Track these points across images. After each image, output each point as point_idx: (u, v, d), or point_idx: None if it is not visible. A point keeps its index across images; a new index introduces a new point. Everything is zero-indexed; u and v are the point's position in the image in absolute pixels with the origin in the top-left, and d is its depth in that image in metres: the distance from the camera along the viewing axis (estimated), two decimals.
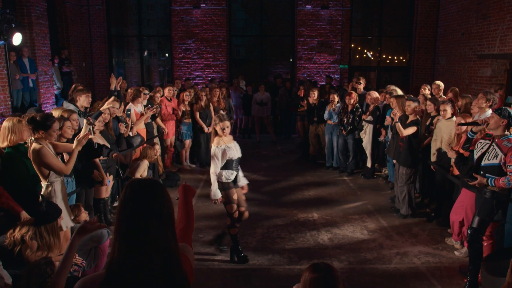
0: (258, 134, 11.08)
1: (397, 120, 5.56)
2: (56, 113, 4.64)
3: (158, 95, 7.67)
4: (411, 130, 5.46)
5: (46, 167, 3.78)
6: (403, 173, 5.63)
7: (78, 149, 4.03)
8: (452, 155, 4.71)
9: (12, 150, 3.78)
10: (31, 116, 3.79)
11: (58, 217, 3.38)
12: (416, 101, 5.62)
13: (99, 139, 5.10)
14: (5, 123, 3.83)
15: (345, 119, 7.55)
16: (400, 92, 7.24)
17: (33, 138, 3.78)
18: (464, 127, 4.53)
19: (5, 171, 3.79)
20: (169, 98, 7.79)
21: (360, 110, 7.48)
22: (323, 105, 8.15)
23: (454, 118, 5.22)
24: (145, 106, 6.95)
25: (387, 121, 6.71)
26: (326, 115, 7.95)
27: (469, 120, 4.59)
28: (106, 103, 5.42)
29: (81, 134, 4.22)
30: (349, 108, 7.51)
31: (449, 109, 5.30)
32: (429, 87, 7.34)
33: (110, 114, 5.53)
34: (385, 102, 7.37)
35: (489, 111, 4.49)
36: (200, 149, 8.29)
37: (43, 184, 3.85)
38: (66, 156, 4.24)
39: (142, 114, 6.79)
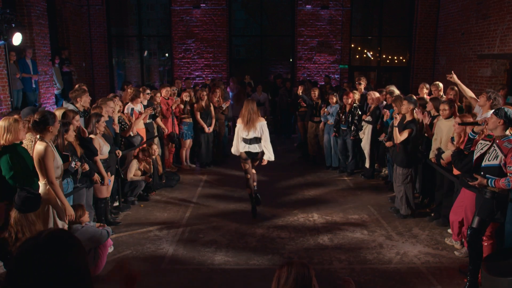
0: None
1: (396, 125, 5.55)
2: (58, 113, 4.65)
3: (158, 94, 7.67)
4: (405, 134, 5.46)
5: (41, 167, 3.72)
6: (400, 173, 5.65)
7: (67, 207, 3.92)
8: (450, 147, 4.71)
9: (7, 150, 3.76)
10: (33, 121, 3.75)
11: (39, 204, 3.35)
12: (412, 102, 5.60)
13: (100, 141, 5.11)
14: (1, 123, 3.81)
15: (343, 119, 7.54)
16: (397, 92, 7.24)
17: (38, 136, 3.76)
18: (462, 126, 4.54)
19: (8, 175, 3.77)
20: (167, 98, 7.79)
21: (358, 110, 7.46)
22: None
23: (453, 117, 5.22)
24: (145, 107, 6.95)
25: (386, 115, 6.70)
26: (322, 118, 7.99)
27: (469, 119, 4.59)
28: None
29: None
30: (347, 108, 7.49)
31: (448, 109, 5.29)
32: (427, 86, 7.31)
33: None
34: (385, 102, 7.36)
35: (491, 111, 4.49)
36: (200, 149, 8.28)
37: (41, 183, 3.81)
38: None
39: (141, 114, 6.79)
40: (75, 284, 1.20)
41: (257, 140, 5.49)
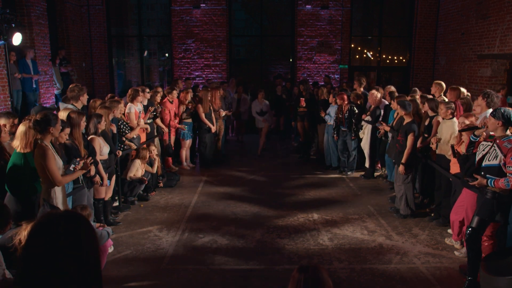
0: (260, 147, 9.71)
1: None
2: (63, 114, 4.65)
3: (158, 95, 7.65)
4: (411, 139, 5.45)
5: (44, 169, 3.69)
6: (399, 173, 5.65)
7: (82, 173, 4.05)
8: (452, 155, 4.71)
9: (25, 155, 3.75)
10: (34, 120, 3.72)
11: None
12: (405, 107, 5.57)
13: (101, 141, 5.11)
14: (22, 128, 3.77)
15: (340, 119, 7.55)
16: (393, 90, 7.27)
17: (39, 137, 3.74)
18: (464, 125, 4.52)
19: (10, 175, 3.76)
20: (171, 101, 7.76)
21: (355, 108, 7.43)
22: (326, 104, 8.15)
23: (455, 119, 5.21)
24: (146, 107, 6.94)
25: (385, 127, 6.60)
26: (326, 118, 8.00)
27: (472, 119, 4.60)
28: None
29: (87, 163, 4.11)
30: (344, 109, 7.48)
31: (444, 109, 5.27)
32: (419, 92, 7.34)
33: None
34: (385, 101, 7.36)
35: (489, 111, 4.50)
36: (206, 149, 8.25)
37: (43, 185, 3.80)
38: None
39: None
40: (85, 265, 1.20)
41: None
